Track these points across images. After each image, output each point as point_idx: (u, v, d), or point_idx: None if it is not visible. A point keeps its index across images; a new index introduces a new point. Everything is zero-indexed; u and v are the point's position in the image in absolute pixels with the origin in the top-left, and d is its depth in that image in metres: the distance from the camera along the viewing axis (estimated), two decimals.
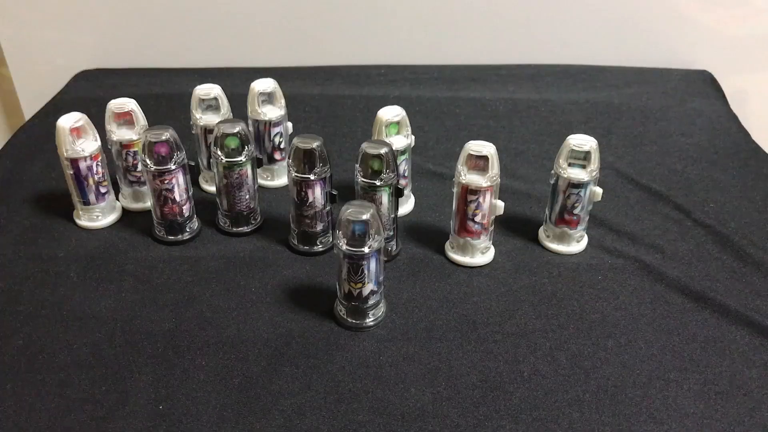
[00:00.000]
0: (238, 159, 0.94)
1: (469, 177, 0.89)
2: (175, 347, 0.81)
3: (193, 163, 0.96)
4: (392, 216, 0.93)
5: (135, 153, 1.01)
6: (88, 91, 1.45)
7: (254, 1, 1.48)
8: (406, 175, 1.04)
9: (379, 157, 0.88)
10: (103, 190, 1.01)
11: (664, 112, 1.37)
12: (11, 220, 1.03)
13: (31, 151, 1.22)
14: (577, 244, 0.97)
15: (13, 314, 0.85)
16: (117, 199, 1.06)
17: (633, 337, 0.83)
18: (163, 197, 0.95)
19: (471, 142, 0.90)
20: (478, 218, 0.89)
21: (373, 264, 0.79)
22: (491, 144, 0.89)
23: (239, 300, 0.88)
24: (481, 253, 0.93)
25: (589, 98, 1.41)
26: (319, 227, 0.95)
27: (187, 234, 0.99)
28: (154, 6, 1.49)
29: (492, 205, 0.89)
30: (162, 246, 0.98)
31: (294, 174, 0.90)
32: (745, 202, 1.09)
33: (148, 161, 0.92)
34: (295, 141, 0.89)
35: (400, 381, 0.77)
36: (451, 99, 1.41)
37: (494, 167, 0.89)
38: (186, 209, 0.98)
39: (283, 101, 1.08)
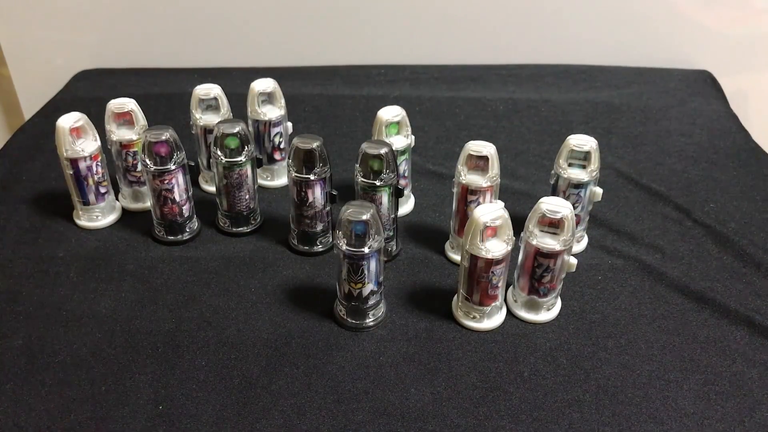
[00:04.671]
0: (238, 159, 0.94)
1: (469, 177, 0.89)
2: (175, 347, 0.81)
3: (192, 163, 0.96)
4: (392, 216, 0.93)
5: (135, 153, 1.01)
6: (88, 91, 1.45)
7: (254, 1, 1.48)
8: (406, 175, 1.04)
9: (379, 157, 0.88)
10: (102, 190, 1.01)
11: (664, 112, 1.37)
12: (11, 220, 1.03)
13: (31, 151, 1.22)
14: (577, 244, 0.97)
15: (13, 314, 0.85)
16: (117, 199, 1.06)
17: (633, 337, 0.83)
18: (162, 197, 0.95)
19: (471, 142, 0.90)
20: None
21: (373, 264, 0.79)
22: (491, 144, 0.89)
23: (239, 300, 0.88)
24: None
25: (589, 98, 1.41)
26: (319, 227, 0.95)
27: (186, 234, 0.99)
28: (154, 6, 1.49)
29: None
30: (162, 246, 0.98)
31: (294, 174, 0.90)
32: (745, 202, 1.09)
33: (147, 161, 0.92)
34: (295, 141, 0.89)
35: (400, 381, 0.77)
36: (451, 99, 1.41)
37: (494, 167, 0.89)
38: (186, 209, 0.98)
39: (283, 101, 1.08)
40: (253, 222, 1.02)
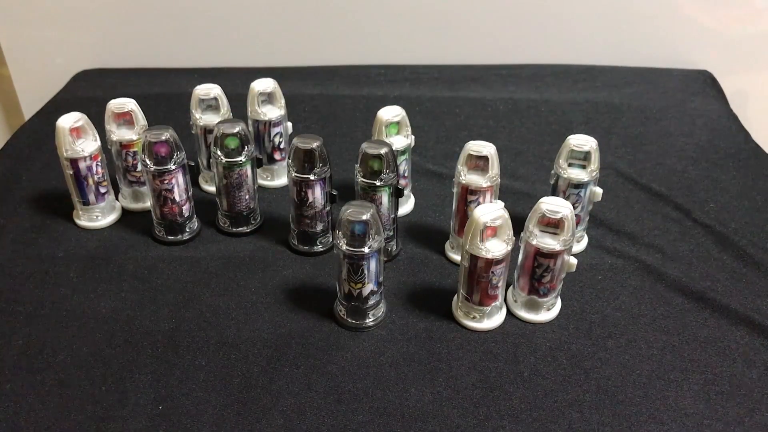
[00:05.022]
0: (238, 159, 0.94)
1: (469, 177, 0.89)
2: (175, 347, 0.81)
3: (192, 163, 0.96)
4: (392, 216, 0.93)
5: (135, 153, 1.01)
6: (88, 91, 1.45)
7: (254, 1, 1.48)
8: (406, 175, 1.04)
9: (379, 157, 0.88)
10: (102, 190, 1.01)
11: (664, 112, 1.37)
12: (11, 220, 1.03)
13: (31, 151, 1.22)
14: (577, 244, 0.97)
15: (13, 314, 0.85)
16: (117, 199, 1.06)
17: (633, 337, 0.83)
18: (162, 197, 0.95)
19: (471, 142, 0.90)
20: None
21: (373, 264, 0.79)
22: (491, 144, 0.89)
23: (239, 300, 0.88)
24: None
25: (589, 98, 1.41)
26: (319, 227, 0.95)
27: (186, 234, 0.99)
28: (154, 6, 1.49)
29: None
30: (162, 246, 0.98)
31: (294, 174, 0.90)
32: (745, 202, 1.09)
33: (147, 161, 0.92)
34: (295, 141, 0.89)
35: (400, 381, 0.77)
36: (451, 99, 1.41)
37: (494, 167, 0.89)
38: (186, 209, 0.98)
39: (282, 101, 1.08)
40: (253, 222, 1.02)
